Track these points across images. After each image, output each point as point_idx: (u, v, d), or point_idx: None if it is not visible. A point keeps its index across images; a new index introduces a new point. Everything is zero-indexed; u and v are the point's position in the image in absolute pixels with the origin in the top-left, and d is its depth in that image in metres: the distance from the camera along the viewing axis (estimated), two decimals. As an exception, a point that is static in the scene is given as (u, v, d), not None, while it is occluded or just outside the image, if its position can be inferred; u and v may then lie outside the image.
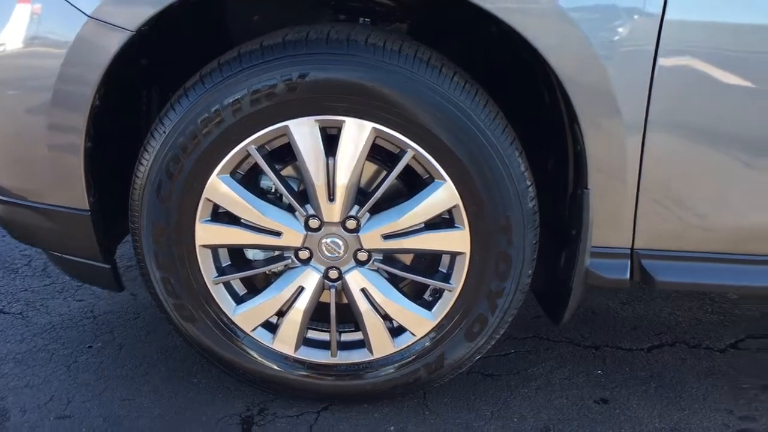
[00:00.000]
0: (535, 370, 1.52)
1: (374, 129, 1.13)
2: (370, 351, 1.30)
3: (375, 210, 1.22)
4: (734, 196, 1.17)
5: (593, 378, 1.50)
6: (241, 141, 1.15)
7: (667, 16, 1.07)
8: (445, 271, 1.26)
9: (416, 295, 1.30)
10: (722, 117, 1.12)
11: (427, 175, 1.19)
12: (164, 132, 1.16)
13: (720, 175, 1.15)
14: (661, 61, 1.08)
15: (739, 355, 1.59)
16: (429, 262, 1.29)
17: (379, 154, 1.22)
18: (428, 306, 1.27)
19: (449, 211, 1.19)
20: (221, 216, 1.24)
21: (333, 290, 1.26)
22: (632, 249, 1.19)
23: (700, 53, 1.09)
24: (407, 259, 1.29)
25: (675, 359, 1.58)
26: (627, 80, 1.09)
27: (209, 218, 1.22)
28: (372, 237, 1.22)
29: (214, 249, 1.26)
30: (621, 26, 1.07)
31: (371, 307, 1.26)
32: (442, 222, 1.21)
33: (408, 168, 1.19)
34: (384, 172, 1.21)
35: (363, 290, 1.25)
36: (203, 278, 1.25)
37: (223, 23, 1.45)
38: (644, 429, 1.34)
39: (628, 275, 1.20)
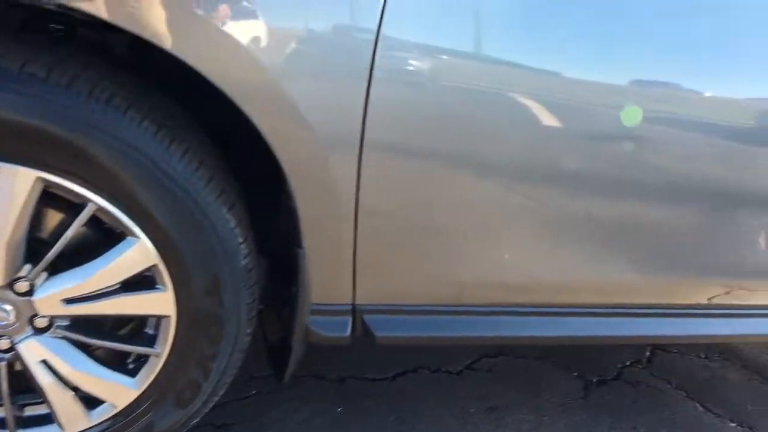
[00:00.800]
0: (273, 413, 1.44)
1: (40, 179, 0.92)
2: (61, 427, 1.11)
3: (59, 268, 1.02)
4: (451, 248, 1.17)
5: (333, 417, 1.46)
6: None
7: (383, 30, 0.96)
8: (151, 332, 1.10)
9: (118, 360, 1.12)
10: (445, 166, 1.09)
11: (121, 230, 1.01)
12: None
13: (436, 228, 1.13)
14: (374, 100, 0.99)
15: (473, 377, 1.69)
16: (134, 325, 1.12)
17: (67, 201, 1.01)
18: (132, 373, 1.11)
19: (150, 270, 1.03)
20: None
21: (3, 363, 1.04)
22: (354, 305, 1.15)
23: (419, 86, 1.02)
24: (106, 320, 1.11)
25: (416, 386, 1.61)
26: (335, 124, 0.99)
27: None
28: (50, 301, 1.00)
29: None
30: (325, 75, 0.98)
31: (57, 380, 1.06)
32: (144, 281, 1.05)
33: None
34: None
35: (44, 362, 1.05)
36: None
37: None
38: (373, 471, 1.36)
39: (349, 332, 1.16)
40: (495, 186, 1.13)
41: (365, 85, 0.98)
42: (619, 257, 1.32)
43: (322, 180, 1.02)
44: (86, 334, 1.06)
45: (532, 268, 1.24)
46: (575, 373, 1.77)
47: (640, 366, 1.87)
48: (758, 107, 1.31)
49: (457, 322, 1.23)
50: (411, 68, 1.01)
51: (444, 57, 1.03)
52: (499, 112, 1.08)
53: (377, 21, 0.97)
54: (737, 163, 1.32)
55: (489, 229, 1.18)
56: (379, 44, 0.98)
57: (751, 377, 1.95)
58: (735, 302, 1.52)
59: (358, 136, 1.01)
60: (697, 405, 1.73)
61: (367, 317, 1.16)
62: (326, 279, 1.10)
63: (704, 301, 1.49)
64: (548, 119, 1.12)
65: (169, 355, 1.09)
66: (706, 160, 1.29)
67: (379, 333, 1.16)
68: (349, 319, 1.15)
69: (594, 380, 1.76)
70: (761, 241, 1.45)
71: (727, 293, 1.50)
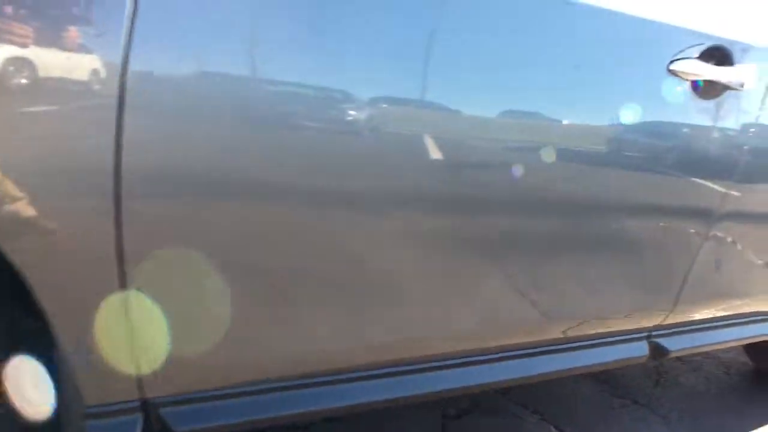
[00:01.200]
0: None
1: None
2: None
3: None
4: (252, 317, 0.96)
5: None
6: None
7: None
8: None
9: None
10: (232, 214, 0.87)
11: None
12: None
13: (230, 294, 0.91)
14: (128, 137, 0.77)
15: (327, 429, 1.51)
16: None
17: None
18: None
19: None
20: None
21: None
22: (144, 399, 0.91)
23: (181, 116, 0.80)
24: None
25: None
26: (75, 172, 0.76)
27: None
28: None
29: None
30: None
31: None
32: None
33: None
34: None
35: None
36: None
37: None
38: None
39: (140, 432, 0.93)
40: (298, 236, 0.93)
41: (114, 117, 0.75)
42: (466, 304, 1.19)
43: (64, 250, 0.77)
44: None
45: (359, 329, 1.06)
46: (433, 409, 1.66)
47: (498, 392, 1.81)
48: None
49: (278, 399, 1.02)
50: (170, 96, 0.80)
51: (215, 80, 0.82)
52: (282, 142, 0.88)
53: (124, 45, 0.75)
54: (583, 194, 1.24)
55: (296, 291, 0.97)
56: (128, 71, 0.76)
57: (602, 389, 1.97)
58: (590, 332, 1.47)
59: (111, 187, 0.77)
60: (552, 428, 1.70)
61: (164, 411, 0.93)
62: (102, 375, 0.86)
63: (560, 336, 1.42)
64: (339, 145, 0.93)
65: None
66: (553, 192, 1.19)
67: (180, 428, 0.93)
68: (139, 416, 0.91)
69: (452, 413, 1.66)
70: (607, 270, 1.40)
71: (579, 324, 1.45)
